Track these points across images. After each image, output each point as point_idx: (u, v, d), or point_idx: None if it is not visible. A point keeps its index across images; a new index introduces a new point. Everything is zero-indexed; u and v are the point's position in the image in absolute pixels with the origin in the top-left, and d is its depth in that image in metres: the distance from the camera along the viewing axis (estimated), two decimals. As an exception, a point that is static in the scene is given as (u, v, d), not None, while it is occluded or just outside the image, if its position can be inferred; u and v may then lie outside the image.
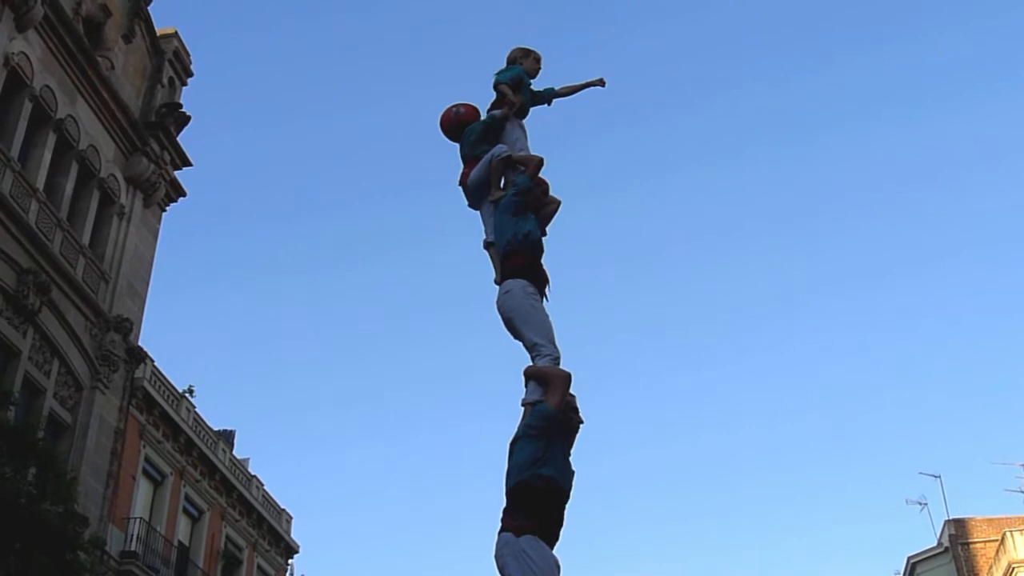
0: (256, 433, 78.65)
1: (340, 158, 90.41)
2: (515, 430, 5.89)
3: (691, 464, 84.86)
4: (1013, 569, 33.18)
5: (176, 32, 26.74)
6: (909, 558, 39.66)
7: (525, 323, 6.37)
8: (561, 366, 6.20)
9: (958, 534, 38.08)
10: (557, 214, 7.30)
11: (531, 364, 6.24)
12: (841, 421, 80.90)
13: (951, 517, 38.77)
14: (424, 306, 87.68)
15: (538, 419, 5.79)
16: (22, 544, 14.69)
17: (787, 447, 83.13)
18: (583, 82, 8.05)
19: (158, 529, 25.69)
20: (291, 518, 34.39)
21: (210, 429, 29.41)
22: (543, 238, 6.98)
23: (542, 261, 6.80)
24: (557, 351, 6.28)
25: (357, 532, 78.54)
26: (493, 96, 7.69)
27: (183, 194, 26.35)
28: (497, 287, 6.73)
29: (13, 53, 20.29)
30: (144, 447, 25.36)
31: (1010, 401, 73.92)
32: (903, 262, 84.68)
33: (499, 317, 6.52)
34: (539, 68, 7.87)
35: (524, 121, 7.68)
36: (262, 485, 32.35)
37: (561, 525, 5.69)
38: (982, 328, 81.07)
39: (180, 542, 27.27)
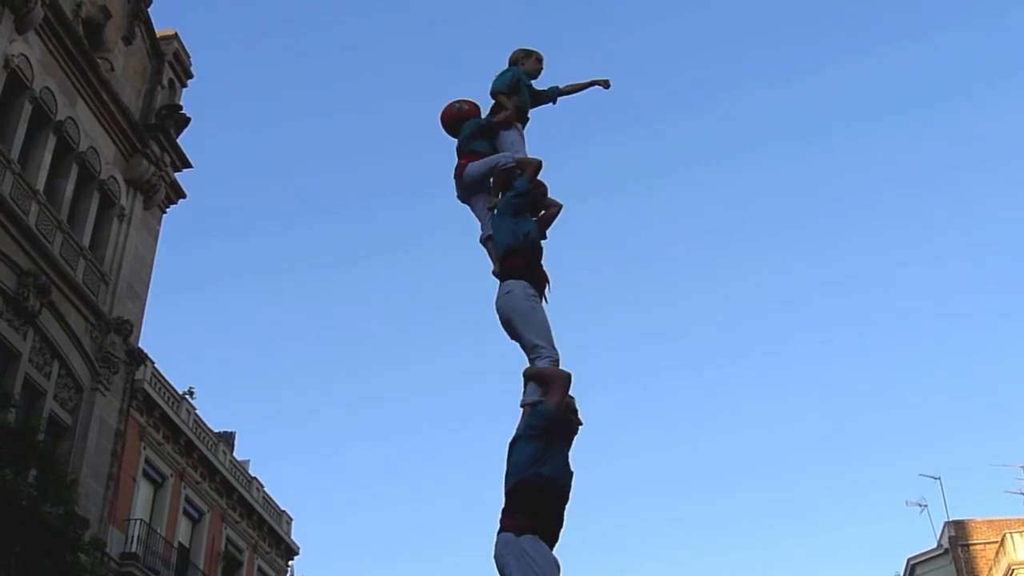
0: (256, 435, 78.73)
1: (340, 159, 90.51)
2: (514, 431, 5.90)
3: (691, 465, 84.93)
4: (1013, 571, 33.17)
5: (176, 34, 26.75)
6: (909, 560, 39.65)
7: (525, 324, 6.37)
8: (560, 367, 6.21)
9: (958, 536, 38.07)
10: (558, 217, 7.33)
11: (530, 365, 6.25)
12: (841, 422, 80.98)
13: (951, 519, 38.78)
14: (424, 307, 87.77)
15: (539, 419, 5.80)
16: (23, 545, 14.70)
17: (787, 448, 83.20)
18: (588, 80, 8.05)
19: (158, 531, 25.69)
20: (291, 520, 34.40)
21: (210, 431, 29.42)
22: (543, 241, 7.00)
23: (542, 262, 6.81)
24: (556, 353, 6.29)
25: (357, 534, 78.59)
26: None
27: (183, 196, 26.36)
28: (496, 279, 6.76)
29: (13, 55, 20.31)
30: (144, 449, 25.37)
31: (1010, 403, 73.97)
32: (903, 263, 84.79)
33: (497, 317, 6.53)
34: (541, 68, 7.87)
35: (527, 122, 7.69)
36: (262, 487, 32.35)
37: (561, 525, 5.70)
38: (982, 329, 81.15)
39: (180, 544, 27.27)
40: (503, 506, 5.61)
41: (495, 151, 7.37)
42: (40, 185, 20.89)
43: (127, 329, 22.78)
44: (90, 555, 17.47)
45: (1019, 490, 37.24)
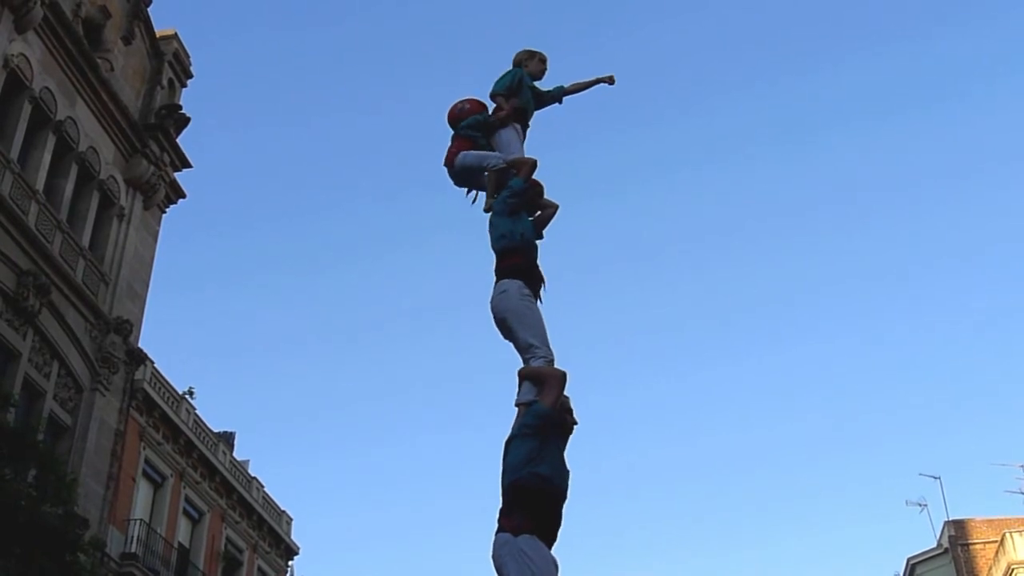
0: (256, 435, 78.69)
1: (340, 159, 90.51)
2: (510, 430, 5.90)
3: (691, 464, 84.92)
4: (1013, 570, 33.17)
5: (176, 34, 26.75)
6: (909, 559, 39.65)
7: (520, 324, 6.37)
8: (555, 367, 6.20)
9: (958, 535, 38.07)
10: (556, 216, 7.33)
11: (525, 365, 6.25)
12: (841, 422, 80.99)
13: (951, 518, 38.78)
14: (424, 307, 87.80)
15: (534, 418, 5.79)
16: (22, 546, 14.68)
17: (787, 448, 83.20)
18: (593, 78, 8.03)
19: (158, 531, 25.69)
20: (291, 520, 34.39)
21: (210, 431, 29.42)
22: (540, 241, 6.99)
23: (537, 262, 6.81)
24: (551, 352, 6.28)
25: (357, 534, 78.60)
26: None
27: (183, 196, 26.37)
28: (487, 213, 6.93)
29: (13, 55, 20.31)
30: (144, 449, 25.37)
31: (1010, 402, 73.99)
32: (902, 263, 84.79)
33: (492, 316, 6.53)
34: (545, 69, 7.87)
35: (529, 123, 7.69)
36: (262, 487, 32.36)
37: (559, 525, 5.68)
38: (982, 329, 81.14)
39: (180, 544, 27.27)
40: (500, 506, 5.61)
41: (490, 146, 7.41)
42: (40, 185, 20.89)
43: (127, 329, 22.78)
44: (90, 555, 17.45)
45: (1019, 489, 37.27)
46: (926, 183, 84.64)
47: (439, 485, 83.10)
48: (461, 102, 7.71)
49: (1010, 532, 34.12)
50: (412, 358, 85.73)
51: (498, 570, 5.36)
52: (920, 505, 39.99)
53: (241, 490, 30.37)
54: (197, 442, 27.86)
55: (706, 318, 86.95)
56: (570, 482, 5.84)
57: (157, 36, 26.15)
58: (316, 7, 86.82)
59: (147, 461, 25.62)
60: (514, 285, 6.49)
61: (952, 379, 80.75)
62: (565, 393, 6.02)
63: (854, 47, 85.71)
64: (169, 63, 26.27)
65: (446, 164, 7.45)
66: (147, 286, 24.64)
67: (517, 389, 6.17)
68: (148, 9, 25.76)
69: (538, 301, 6.61)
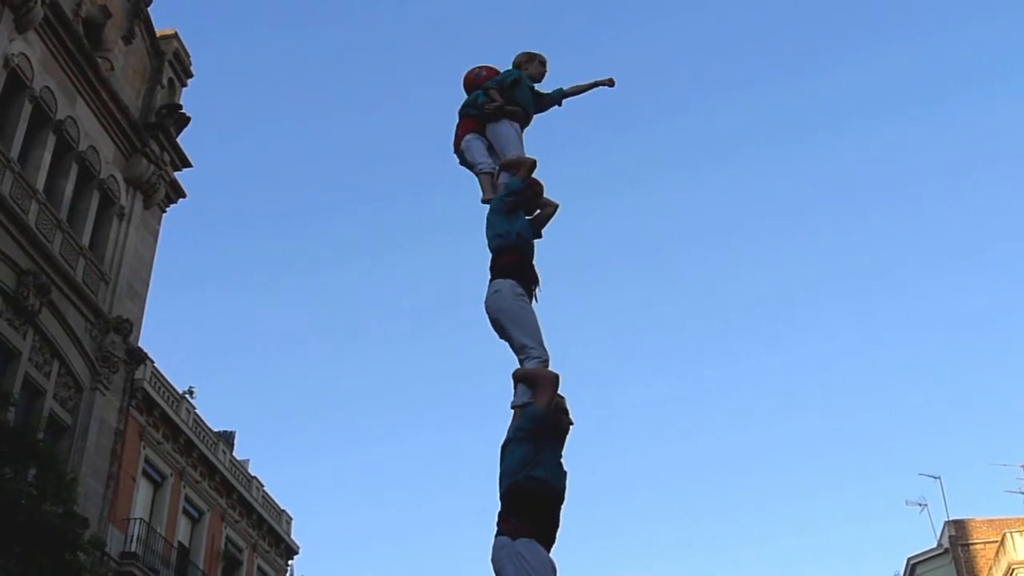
0: (256, 434, 78.76)
1: (340, 159, 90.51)
2: (505, 434, 5.90)
3: (690, 464, 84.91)
4: (1013, 570, 33.17)
5: (176, 33, 26.76)
6: (909, 559, 39.65)
7: (514, 324, 6.36)
8: (551, 367, 6.20)
9: (958, 535, 38.07)
10: (555, 215, 7.33)
11: (519, 367, 6.24)
12: (841, 422, 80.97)
13: (951, 518, 38.78)
14: (425, 308, 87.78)
15: (528, 421, 5.79)
16: (22, 545, 14.68)
17: (787, 447, 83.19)
18: (592, 81, 8.06)
19: (158, 530, 25.70)
20: (291, 519, 34.40)
21: (210, 430, 29.42)
22: (538, 240, 6.99)
23: (533, 261, 6.80)
24: (546, 353, 6.27)
25: (357, 533, 78.59)
26: None
27: (183, 195, 26.37)
28: (484, 206, 6.99)
29: (13, 54, 20.31)
30: (144, 448, 25.37)
31: (1010, 402, 73.98)
32: (903, 263, 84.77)
33: (487, 316, 6.53)
34: (544, 72, 7.90)
35: (528, 122, 7.71)
36: (262, 486, 32.36)
37: (557, 527, 5.68)
38: (982, 329, 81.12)
39: (180, 543, 27.27)
40: (498, 510, 5.61)
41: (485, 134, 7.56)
42: (40, 184, 20.90)
43: (127, 328, 22.78)
44: (90, 554, 17.45)
45: (1019, 489, 37.21)
46: (926, 182, 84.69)
47: (439, 485, 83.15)
48: (477, 68, 7.86)
49: (1010, 532, 34.12)
50: (412, 358, 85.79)
51: (497, 573, 5.36)
52: (920, 505, 40.03)
53: (241, 489, 30.38)
54: (197, 441, 27.86)
55: (705, 317, 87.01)
56: (567, 483, 5.85)
57: (157, 35, 26.16)
58: (316, 7, 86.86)
59: (147, 460, 25.63)
60: (507, 285, 6.48)
61: (952, 379, 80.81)
62: (560, 393, 6.02)
63: (853, 47, 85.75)
64: (169, 62, 26.27)
65: (455, 149, 7.64)
66: (147, 285, 24.64)
67: (513, 391, 6.17)
68: (148, 8, 25.76)
69: (533, 301, 6.61)
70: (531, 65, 7.82)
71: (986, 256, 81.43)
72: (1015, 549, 33.50)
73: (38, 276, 20.00)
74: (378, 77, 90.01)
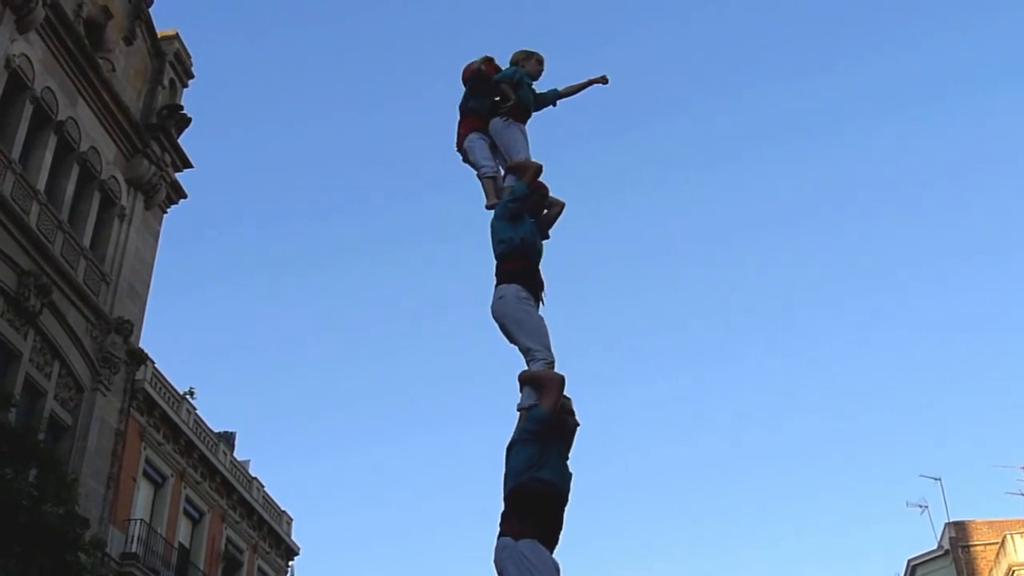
0: (257, 435, 78.71)
1: (340, 159, 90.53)
2: (511, 435, 5.90)
3: (691, 465, 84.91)
4: (1013, 572, 33.18)
5: (177, 34, 26.76)
6: (909, 560, 39.64)
7: (519, 328, 6.37)
8: (556, 370, 6.20)
9: (958, 537, 38.06)
10: (561, 216, 7.35)
11: (525, 369, 6.25)
12: (841, 423, 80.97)
13: (951, 520, 38.77)
14: (425, 308, 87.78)
15: (533, 423, 5.80)
16: (23, 545, 14.68)
17: (787, 449, 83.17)
18: (586, 80, 8.06)
19: (159, 531, 25.70)
20: (291, 520, 34.40)
21: (211, 431, 29.42)
22: (546, 241, 7.01)
23: (539, 266, 6.80)
24: (552, 356, 6.28)
25: (357, 534, 78.58)
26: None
27: (184, 196, 26.37)
28: (489, 212, 7.02)
29: (14, 55, 20.32)
30: (145, 449, 25.37)
31: (1011, 404, 73.95)
32: (904, 263, 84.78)
33: (495, 322, 6.54)
34: (542, 70, 7.89)
35: (527, 120, 7.71)
36: (263, 487, 32.35)
37: (560, 528, 5.69)
38: (983, 330, 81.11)
39: (181, 544, 27.27)
40: (502, 511, 5.61)
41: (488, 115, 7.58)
42: (41, 185, 20.90)
43: (127, 329, 22.78)
44: (90, 555, 17.45)
45: (1020, 491, 37.20)
46: (926, 183, 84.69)
47: (439, 485, 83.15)
48: (475, 61, 7.84)
49: (1011, 534, 34.13)
50: (412, 358, 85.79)
51: (500, 574, 5.37)
52: (921, 506, 40.02)
53: (241, 490, 30.37)
54: (198, 442, 27.86)
55: (706, 319, 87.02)
56: (571, 485, 5.85)
57: (158, 36, 26.16)
58: (316, 7, 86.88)
59: (148, 461, 25.62)
60: (511, 290, 6.49)
61: (953, 380, 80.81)
62: (566, 395, 6.03)
63: (853, 48, 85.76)
64: (170, 63, 26.28)
65: (457, 148, 7.63)
66: (148, 286, 24.65)
67: (519, 393, 6.18)
68: (149, 9, 25.76)
69: (540, 304, 6.61)
70: (528, 63, 7.82)
71: (987, 257, 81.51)
72: (1015, 551, 33.51)
73: (39, 277, 20.00)
74: (378, 77, 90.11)
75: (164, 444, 26.35)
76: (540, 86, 7.92)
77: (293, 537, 34.14)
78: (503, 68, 7.79)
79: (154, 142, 24.74)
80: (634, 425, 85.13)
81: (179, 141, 25.77)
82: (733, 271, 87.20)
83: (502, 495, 5.67)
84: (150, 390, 25.24)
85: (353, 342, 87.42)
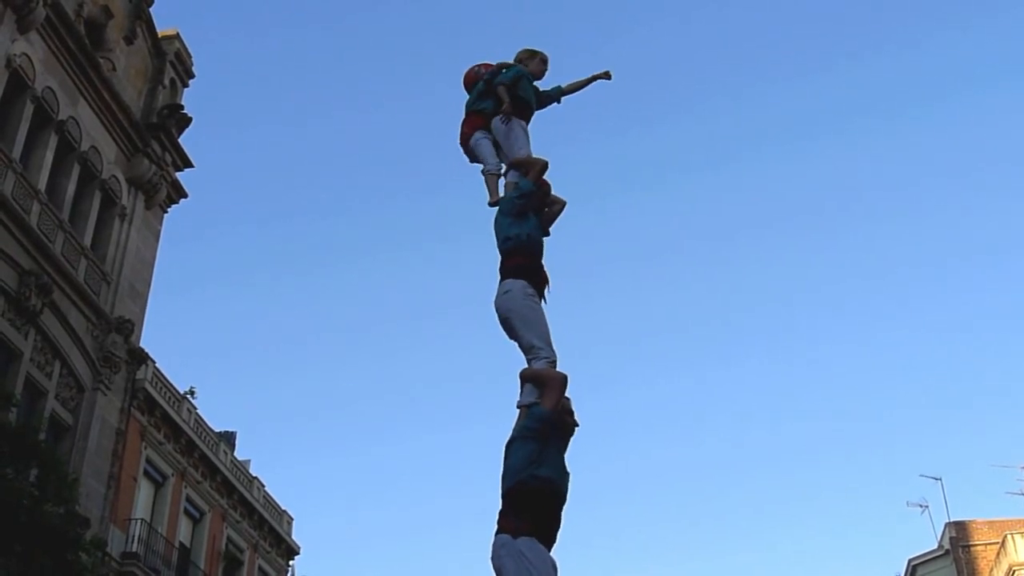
0: (257, 435, 78.73)
1: (341, 159, 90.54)
2: (511, 432, 5.91)
3: (691, 467, 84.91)
4: (1014, 572, 33.18)
5: (178, 33, 26.78)
6: (910, 560, 39.64)
7: (523, 324, 6.38)
8: (558, 368, 6.21)
9: (959, 536, 38.05)
10: (561, 215, 7.36)
11: (527, 367, 6.26)
12: (842, 423, 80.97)
13: (952, 519, 38.75)
14: (425, 308, 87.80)
15: (534, 421, 5.81)
16: (23, 545, 14.69)
17: (787, 449, 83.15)
18: (589, 76, 8.07)
19: (159, 530, 25.71)
20: (292, 519, 34.41)
21: (211, 430, 29.43)
22: (547, 239, 7.02)
23: (543, 262, 6.82)
24: (554, 354, 6.29)
25: (358, 534, 78.59)
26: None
27: (184, 195, 26.39)
28: (491, 208, 7.03)
29: (15, 54, 20.33)
30: (145, 448, 25.38)
31: (1011, 404, 73.91)
32: (905, 264, 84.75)
33: (496, 315, 6.55)
34: (545, 69, 7.90)
35: (529, 121, 7.72)
36: (263, 486, 32.37)
37: (558, 527, 5.70)
38: (983, 330, 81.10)
39: (181, 543, 27.28)
40: (500, 508, 5.62)
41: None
42: (42, 185, 20.91)
43: (128, 329, 22.80)
44: (91, 555, 17.44)
45: (1020, 491, 37.19)
46: (928, 184, 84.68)
47: (439, 485, 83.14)
48: (477, 66, 7.88)
49: (1011, 533, 34.12)
50: (412, 358, 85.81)
51: (497, 571, 5.37)
52: (921, 506, 39.99)
53: (242, 490, 30.39)
54: (198, 442, 27.87)
55: (706, 320, 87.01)
56: (570, 484, 5.86)
57: (159, 36, 26.18)
58: (316, 7, 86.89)
59: (148, 461, 25.64)
60: (517, 285, 6.50)
61: (953, 380, 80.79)
62: (566, 395, 6.04)
63: (854, 48, 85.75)
64: (171, 63, 26.29)
65: (461, 143, 7.62)
66: (149, 286, 24.66)
67: (520, 390, 6.18)
68: (150, 9, 25.78)
69: (542, 301, 6.63)
70: (532, 62, 7.83)
71: (987, 257, 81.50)
72: (1016, 551, 33.50)
73: (40, 276, 20.01)
74: (378, 77, 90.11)
75: (165, 444, 26.37)
76: (543, 84, 7.94)
77: (293, 537, 34.16)
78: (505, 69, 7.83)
79: (155, 142, 24.76)
80: (634, 425, 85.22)
81: (180, 141, 25.79)
82: (733, 271, 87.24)
83: (501, 492, 5.68)
84: (151, 390, 25.25)
85: (353, 342, 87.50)
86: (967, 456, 75.43)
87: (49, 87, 21.46)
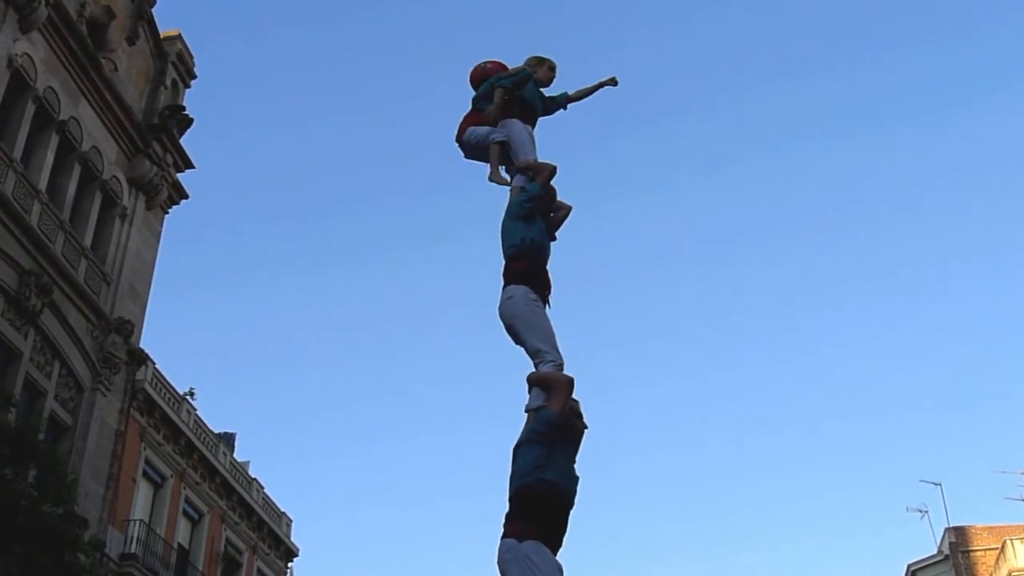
0: (257, 436, 78.54)
1: (342, 160, 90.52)
2: (518, 436, 5.89)
3: (692, 469, 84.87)
4: (1013, 577, 33.14)
5: (179, 34, 26.78)
6: (909, 566, 39.59)
7: (528, 329, 6.37)
8: (565, 371, 6.19)
9: (958, 542, 38.01)
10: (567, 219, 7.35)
11: (534, 370, 6.24)
12: (842, 427, 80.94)
13: (951, 525, 38.69)
14: (426, 309, 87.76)
15: (541, 424, 5.79)
16: (22, 545, 14.67)
17: (788, 453, 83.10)
18: (596, 83, 8.07)
19: (158, 531, 25.67)
20: (291, 521, 34.36)
21: (211, 432, 29.39)
22: (553, 243, 7.00)
23: (547, 267, 6.80)
24: (560, 357, 6.28)
25: (357, 535, 78.51)
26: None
27: (185, 196, 26.37)
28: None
29: (17, 54, 20.31)
30: (144, 449, 25.34)
31: (1011, 409, 73.82)
32: (906, 267, 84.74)
33: (501, 322, 6.53)
34: (553, 76, 7.90)
35: (534, 126, 7.70)
36: (262, 488, 32.33)
37: (565, 531, 5.67)
38: (984, 335, 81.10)
39: (180, 544, 27.23)
40: (507, 512, 5.60)
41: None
42: (42, 185, 20.89)
43: (128, 329, 22.77)
44: (89, 555, 17.41)
45: (1020, 496, 37.13)
46: (930, 186, 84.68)
47: (439, 485, 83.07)
48: (483, 63, 7.85)
49: (1011, 539, 34.09)
50: (412, 358, 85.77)
51: (503, 575, 5.34)
52: (921, 511, 39.91)
53: (241, 491, 30.35)
54: (197, 443, 27.84)
55: (709, 321, 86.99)
56: (577, 488, 5.83)
57: (161, 36, 26.18)
58: (318, 8, 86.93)
59: (147, 461, 25.60)
60: (520, 290, 6.49)
61: (953, 385, 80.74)
62: (574, 398, 6.01)
63: (857, 51, 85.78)
64: (173, 63, 26.28)
65: (456, 138, 7.58)
66: (149, 286, 24.64)
67: (527, 395, 6.16)
68: (152, 9, 25.77)
69: (546, 306, 6.61)
70: (540, 69, 7.81)
71: (989, 260, 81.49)
72: (1015, 556, 33.47)
73: (40, 276, 19.99)
74: (378, 77, 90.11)
75: (164, 445, 26.33)
76: (550, 91, 7.92)
77: (292, 538, 34.12)
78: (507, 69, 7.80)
79: (156, 142, 24.74)
80: (636, 427, 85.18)
81: (181, 141, 25.77)
82: (735, 273, 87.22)
83: (508, 496, 5.65)
84: (150, 390, 25.22)
85: (353, 342, 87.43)
86: (967, 461, 75.34)
87: (51, 87, 21.44)
